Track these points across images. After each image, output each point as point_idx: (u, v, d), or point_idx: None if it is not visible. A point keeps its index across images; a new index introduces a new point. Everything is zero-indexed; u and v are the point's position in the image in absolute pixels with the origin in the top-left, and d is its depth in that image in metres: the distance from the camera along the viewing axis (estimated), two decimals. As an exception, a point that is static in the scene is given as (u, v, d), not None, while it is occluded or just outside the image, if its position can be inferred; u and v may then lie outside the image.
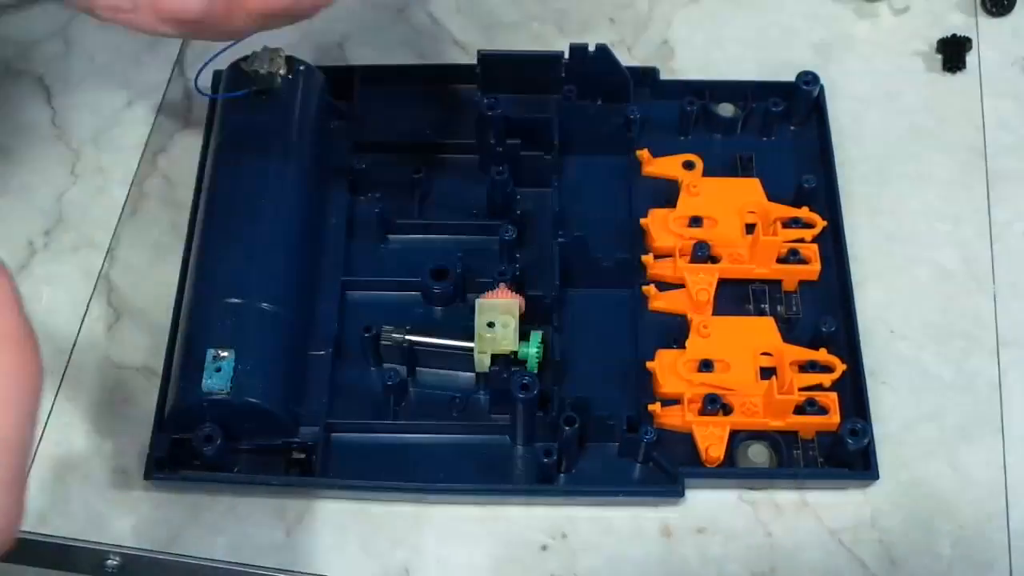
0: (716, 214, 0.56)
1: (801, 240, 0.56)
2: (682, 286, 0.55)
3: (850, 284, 0.56)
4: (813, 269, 0.56)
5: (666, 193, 0.58)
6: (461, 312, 0.55)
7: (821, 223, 0.56)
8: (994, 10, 0.66)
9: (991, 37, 0.66)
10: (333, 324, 0.55)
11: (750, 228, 0.56)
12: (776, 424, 0.52)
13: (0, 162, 0.63)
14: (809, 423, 0.52)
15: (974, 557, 0.51)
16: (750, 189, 0.57)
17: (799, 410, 0.52)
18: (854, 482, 0.52)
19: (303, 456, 0.53)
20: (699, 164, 0.59)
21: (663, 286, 0.56)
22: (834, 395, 0.52)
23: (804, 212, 0.57)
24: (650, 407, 0.52)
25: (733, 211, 0.56)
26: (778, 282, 0.56)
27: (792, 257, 0.56)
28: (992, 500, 0.53)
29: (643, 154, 0.58)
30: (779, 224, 0.55)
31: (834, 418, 0.52)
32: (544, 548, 0.52)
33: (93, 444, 0.55)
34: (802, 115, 0.61)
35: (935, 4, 0.67)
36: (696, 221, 0.56)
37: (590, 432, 0.52)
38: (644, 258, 0.56)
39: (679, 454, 0.52)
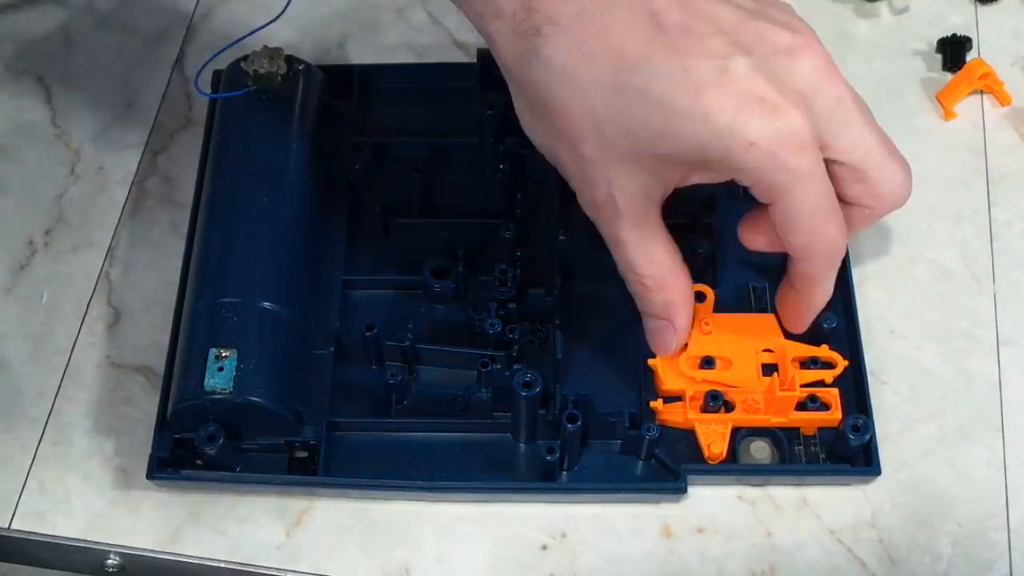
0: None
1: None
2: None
3: (851, 284, 0.56)
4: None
5: None
6: (462, 310, 0.56)
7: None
8: (985, -2, 0.67)
9: (991, 37, 0.66)
10: (334, 323, 0.55)
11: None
12: (778, 421, 0.52)
13: (0, 162, 0.63)
14: (811, 419, 0.52)
15: (974, 557, 0.51)
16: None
17: (801, 406, 0.52)
18: (854, 480, 0.52)
19: (305, 455, 0.53)
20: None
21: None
22: (836, 391, 0.52)
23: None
24: (652, 404, 0.52)
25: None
26: (778, 283, 0.56)
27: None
28: (992, 500, 0.53)
29: None
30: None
31: (836, 414, 0.52)
32: (544, 548, 0.52)
33: (93, 444, 0.55)
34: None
35: (935, 4, 0.67)
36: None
37: (592, 430, 0.52)
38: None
39: (681, 451, 0.52)
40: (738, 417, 0.52)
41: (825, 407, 0.52)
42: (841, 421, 0.52)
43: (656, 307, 0.51)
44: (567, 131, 0.46)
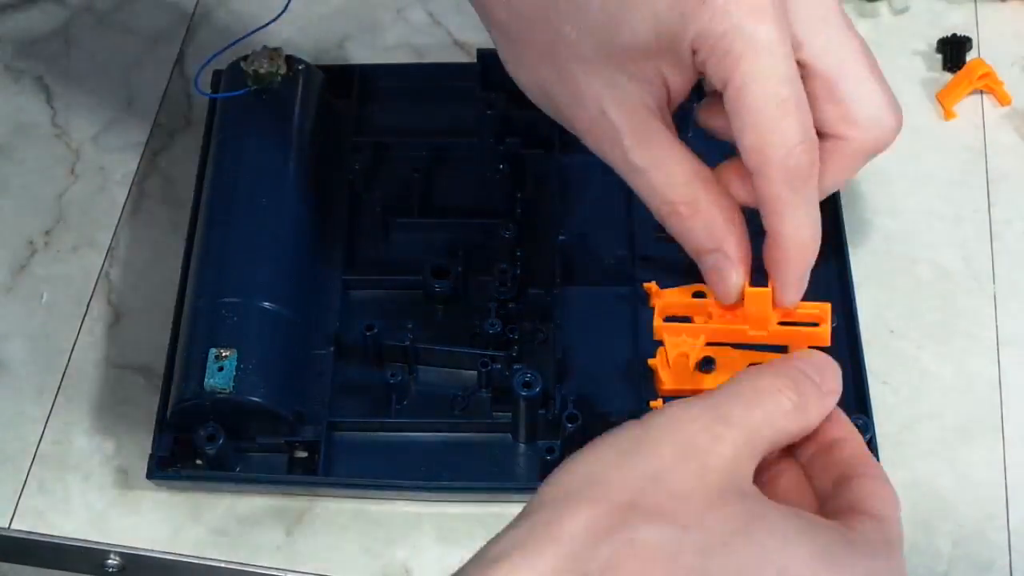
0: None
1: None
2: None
3: (851, 284, 0.56)
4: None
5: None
6: (462, 310, 0.56)
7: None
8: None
9: (991, 37, 0.66)
10: (334, 323, 0.55)
11: None
12: (757, 335, 0.47)
13: (0, 162, 0.63)
14: (796, 335, 0.47)
15: (974, 557, 0.51)
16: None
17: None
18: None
19: (305, 455, 0.53)
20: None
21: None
22: (827, 305, 0.47)
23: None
24: (652, 404, 0.52)
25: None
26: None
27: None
28: (992, 500, 0.53)
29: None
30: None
31: (825, 330, 0.46)
32: (545, 547, 0.52)
33: (93, 444, 0.55)
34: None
35: (935, 4, 0.67)
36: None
37: (592, 430, 0.52)
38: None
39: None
40: (715, 327, 0.47)
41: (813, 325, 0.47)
42: (832, 338, 0.47)
43: (700, 236, 0.44)
44: (540, 41, 0.44)
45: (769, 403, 0.39)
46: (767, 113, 0.40)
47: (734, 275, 0.44)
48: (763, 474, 0.40)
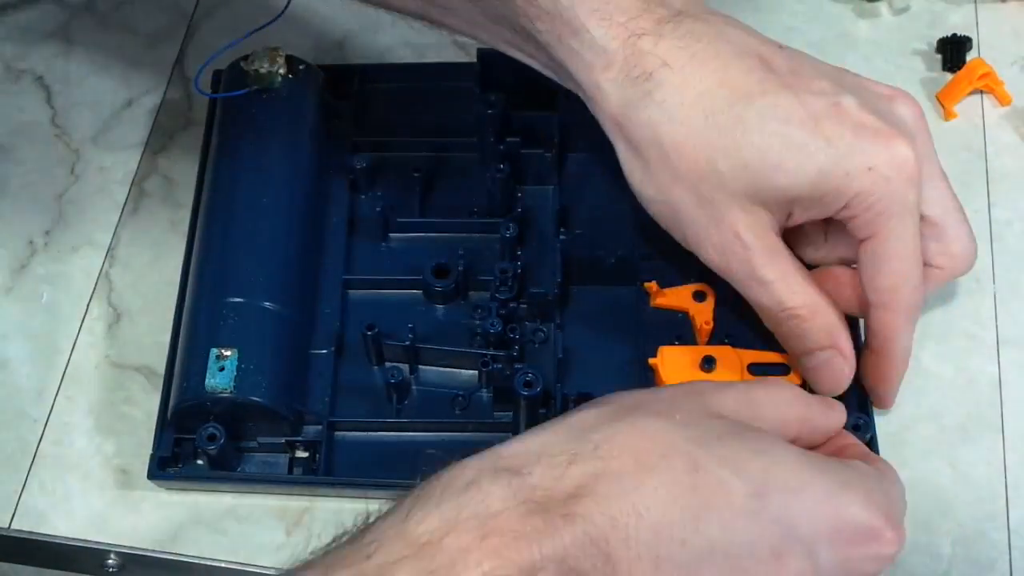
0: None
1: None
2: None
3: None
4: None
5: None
6: (463, 310, 0.56)
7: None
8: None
9: (991, 37, 0.66)
10: (335, 322, 0.55)
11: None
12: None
13: (0, 162, 0.63)
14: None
15: (974, 557, 0.51)
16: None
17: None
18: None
19: (306, 455, 0.53)
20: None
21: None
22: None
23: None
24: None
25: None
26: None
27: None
28: (992, 500, 0.53)
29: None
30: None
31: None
32: (545, 547, 0.52)
33: (93, 444, 0.55)
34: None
35: (935, 4, 0.67)
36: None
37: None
38: None
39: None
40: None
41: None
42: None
43: (819, 336, 0.49)
44: (685, 170, 0.47)
45: (773, 390, 0.45)
46: (904, 263, 0.47)
47: (847, 369, 0.50)
48: None
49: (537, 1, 0.48)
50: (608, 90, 0.48)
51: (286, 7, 0.60)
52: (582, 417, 0.41)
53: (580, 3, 0.48)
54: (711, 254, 0.49)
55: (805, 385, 0.52)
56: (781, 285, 0.48)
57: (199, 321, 0.53)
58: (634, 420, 0.41)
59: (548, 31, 0.49)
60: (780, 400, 0.45)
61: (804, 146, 0.46)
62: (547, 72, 0.52)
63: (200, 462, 0.52)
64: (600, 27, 0.48)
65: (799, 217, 0.48)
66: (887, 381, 0.51)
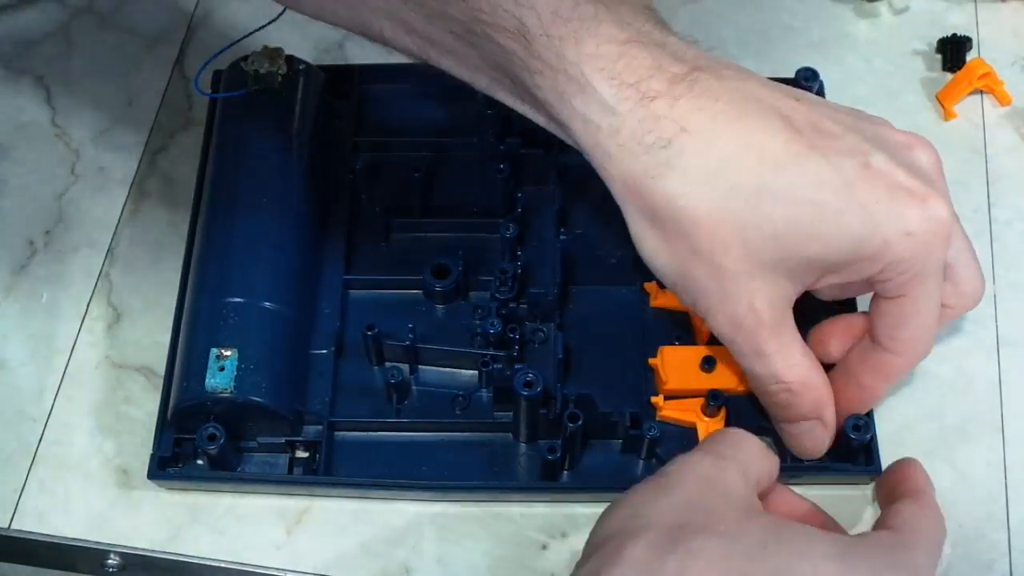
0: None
1: None
2: None
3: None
4: None
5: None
6: (463, 310, 0.56)
7: None
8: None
9: (991, 37, 0.66)
10: (335, 322, 0.55)
11: None
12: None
13: (0, 162, 0.63)
14: None
15: (974, 557, 0.52)
16: None
17: None
18: (855, 480, 0.52)
19: (306, 454, 0.53)
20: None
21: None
22: None
23: None
24: (653, 399, 0.52)
25: None
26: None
27: None
28: (992, 500, 0.53)
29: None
30: None
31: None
32: (544, 547, 0.52)
33: (93, 444, 0.55)
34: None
35: (935, 4, 0.67)
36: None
37: (593, 429, 0.52)
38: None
39: (682, 451, 0.52)
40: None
41: None
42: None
43: (805, 409, 0.49)
44: (706, 244, 0.44)
45: (747, 444, 0.46)
46: (929, 318, 0.47)
47: (828, 440, 0.50)
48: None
49: (540, 54, 0.45)
50: (618, 156, 0.45)
51: (286, 7, 0.60)
52: (634, 553, 0.41)
53: (587, 60, 0.44)
54: (720, 324, 0.47)
55: None
56: (779, 358, 0.47)
57: (199, 321, 0.53)
58: (691, 547, 0.41)
59: (550, 88, 0.45)
60: (744, 447, 0.46)
61: (839, 214, 0.43)
62: (549, 128, 0.48)
63: (200, 462, 0.52)
64: (610, 87, 0.44)
65: (825, 282, 0.46)
66: (876, 396, 0.51)
